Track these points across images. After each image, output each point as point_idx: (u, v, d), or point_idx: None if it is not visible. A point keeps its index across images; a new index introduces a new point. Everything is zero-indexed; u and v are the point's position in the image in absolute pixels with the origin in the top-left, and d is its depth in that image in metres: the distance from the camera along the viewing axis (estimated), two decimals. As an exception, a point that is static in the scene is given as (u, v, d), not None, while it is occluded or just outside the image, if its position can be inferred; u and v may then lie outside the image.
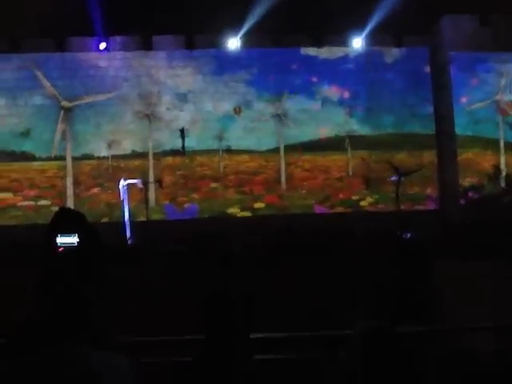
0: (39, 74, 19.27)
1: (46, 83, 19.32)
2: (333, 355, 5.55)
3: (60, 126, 19.35)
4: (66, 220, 4.85)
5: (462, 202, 19.48)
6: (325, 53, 20.48)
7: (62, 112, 19.41)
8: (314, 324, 7.07)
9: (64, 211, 5.10)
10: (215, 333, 3.69)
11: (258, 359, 3.95)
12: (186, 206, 19.65)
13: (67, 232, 4.79)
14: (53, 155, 19.31)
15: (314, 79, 20.39)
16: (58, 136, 19.31)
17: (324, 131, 20.38)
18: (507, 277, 8.65)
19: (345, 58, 20.58)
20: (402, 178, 17.19)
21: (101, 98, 19.46)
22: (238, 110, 20.20)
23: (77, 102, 19.41)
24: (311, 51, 20.44)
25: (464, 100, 20.24)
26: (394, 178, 17.13)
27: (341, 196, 20.19)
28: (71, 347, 3.28)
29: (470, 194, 19.84)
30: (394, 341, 3.50)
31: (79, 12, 18.01)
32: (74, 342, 3.29)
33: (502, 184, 20.12)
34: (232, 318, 3.71)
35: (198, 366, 3.68)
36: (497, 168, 20.35)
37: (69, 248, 4.60)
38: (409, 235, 14.65)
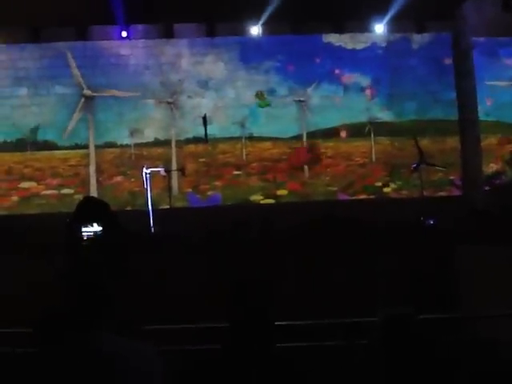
0: (70, 60, 19.34)
1: (76, 72, 19.39)
2: (356, 343, 5.56)
3: (77, 114, 19.40)
4: (90, 209, 4.90)
5: (486, 188, 19.38)
6: (346, 40, 20.40)
7: (82, 100, 19.46)
8: (337, 311, 7.09)
9: (88, 200, 5.15)
10: (240, 321, 3.70)
11: (281, 347, 3.97)
12: (208, 195, 19.68)
13: (91, 221, 4.85)
14: (65, 138, 19.32)
15: (336, 66, 20.32)
16: (72, 123, 19.36)
17: (347, 118, 20.34)
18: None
19: (366, 45, 20.49)
20: (423, 165, 17.09)
21: (124, 94, 19.50)
22: (260, 95, 20.19)
23: (98, 94, 19.46)
24: (333, 38, 20.36)
25: (487, 85, 20.11)
26: (414, 165, 17.00)
27: (364, 182, 20.15)
28: (97, 334, 3.31)
29: (494, 179, 19.74)
30: (416, 328, 3.51)
31: (100, 0, 18.06)
32: (100, 330, 3.32)
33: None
34: (257, 305, 3.72)
35: (223, 355, 3.69)
36: None
37: (93, 237, 4.65)
38: (432, 222, 14.61)
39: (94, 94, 19.46)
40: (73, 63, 19.40)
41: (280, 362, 3.65)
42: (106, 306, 3.40)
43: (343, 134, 20.37)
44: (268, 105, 20.15)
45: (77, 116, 19.43)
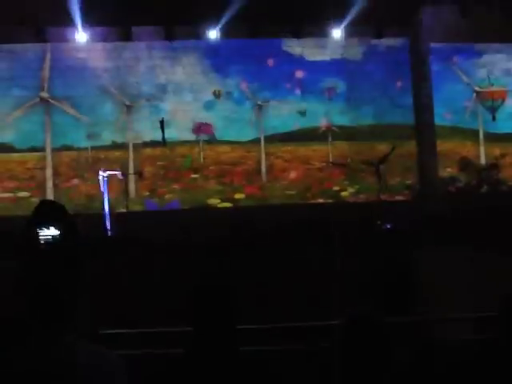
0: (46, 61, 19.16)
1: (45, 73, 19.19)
2: (320, 346, 5.57)
3: (25, 108, 19.20)
4: (47, 212, 4.84)
5: (442, 192, 19.57)
6: (305, 44, 20.46)
7: (37, 100, 19.26)
8: (299, 314, 7.09)
9: (45, 203, 5.09)
10: (204, 325, 3.68)
11: (246, 350, 3.95)
12: (166, 199, 19.59)
13: (48, 224, 4.78)
14: (10, 121, 19.12)
15: (294, 70, 20.38)
16: (18, 113, 19.20)
17: (304, 122, 20.40)
18: (486, 266, 8.71)
19: (324, 49, 20.58)
20: (381, 166, 17.25)
21: (76, 114, 19.32)
22: (217, 93, 20.17)
23: (54, 102, 19.29)
24: (291, 43, 20.41)
25: (444, 91, 20.33)
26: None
27: (321, 187, 20.21)
28: (55, 339, 3.27)
29: (450, 184, 19.95)
30: (374, 330, 3.51)
31: (58, 2, 17.89)
32: (57, 334, 3.29)
33: (479, 174, 20.25)
34: (220, 309, 3.71)
35: (187, 359, 3.67)
36: (468, 159, 20.51)
37: (50, 241, 4.59)
38: (389, 226, 14.70)
39: (50, 100, 19.26)
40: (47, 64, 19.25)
41: (244, 365, 3.64)
42: (64, 310, 3.37)
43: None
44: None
45: (21, 111, 19.16)
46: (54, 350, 3.25)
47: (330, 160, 20.27)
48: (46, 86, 19.30)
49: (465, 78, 20.75)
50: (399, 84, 20.59)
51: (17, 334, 3.29)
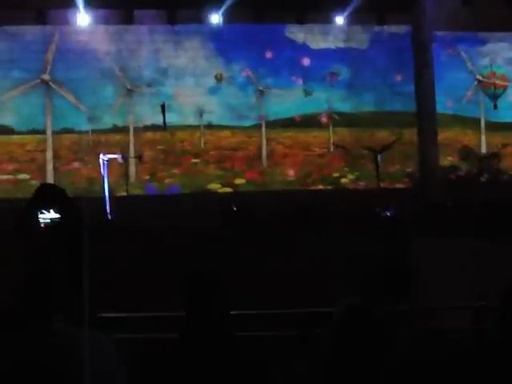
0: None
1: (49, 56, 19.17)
2: (314, 332, 5.59)
3: (26, 87, 19.19)
4: (47, 196, 4.86)
5: (442, 180, 19.56)
6: (307, 30, 20.42)
7: (38, 81, 19.24)
8: (295, 301, 7.11)
9: (45, 187, 5.11)
10: (197, 310, 3.70)
11: (240, 336, 3.97)
12: (166, 183, 19.61)
13: (48, 208, 4.80)
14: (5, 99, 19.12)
15: (297, 56, 20.36)
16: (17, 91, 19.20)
17: (305, 108, 20.40)
18: (486, 255, 8.72)
19: (327, 36, 20.55)
20: (380, 155, 17.25)
21: (80, 106, 19.30)
22: (219, 77, 20.15)
23: (48, 67, 19.23)
24: (294, 28, 20.38)
25: (446, 79, 20.30)
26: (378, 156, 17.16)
27: (322, 173, 20.22)
28: (51, 323, 3.29)
29: (450, 172, 19.96)
30: (369, 319, 3.53)
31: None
32: (53, 318, 3.30)
33: (480, 163, 20.26)
34: (213, 295, 3.72)
35: (180, 344, 3.69)
36: (469, 148, 20.52)
37: (49, 224, 4.61)
38: (388, 213, 14.72)
39: (50, 83, 19.24)
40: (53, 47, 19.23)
41: (238, 351, 3.66)
42: (63, 293, 3.38)
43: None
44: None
45: (19, 90, 19.15)
46: (49, 336, 3.26)
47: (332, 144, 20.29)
48: (48, 68, 19.26)
49: (469, 65, 20.72)
50: (401, 71, 20.55)
51: (12, 321, 3.30)
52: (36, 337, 3.24)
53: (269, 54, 20.18)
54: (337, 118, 20.37)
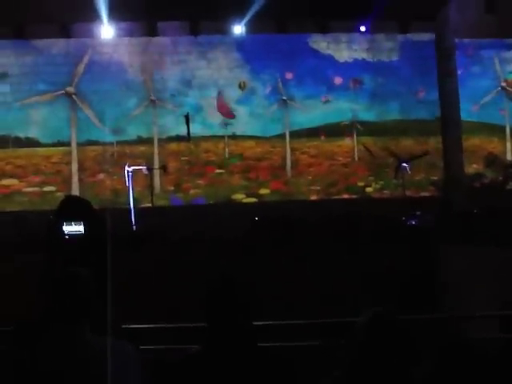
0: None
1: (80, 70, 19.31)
2: (339, 343, 5.57)
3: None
4: (72, 208, 4.88)
5: (468, 188, 19.46)
6: (330, 39, 20.42)
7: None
8: (321, 311, 7.09)
9: (70, 199, 5.14)
10: (218, 321, 3.70)
11: (262, 346, 3.96)
12: (191, 197, 19.62)
13: (73, 220, 4.82)
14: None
15: (320, 65, 20.33)
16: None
17: (329, 117, 20.37)
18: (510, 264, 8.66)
19: (350, 44, 20.53)
20: (406, 165, 17.21)
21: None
22: (243, 85, 20.17)
23: (76, 80, 19.36)
24: (317, 37, 20.38)
25: (469, 86, 20.21)
26: (403, 165, 17.13)
27: (346, 182, 20.18)
28: (74, 332, 3.31)
29: (475, 180, 19.83)
30: (396, 328, 3.51)
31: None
32: (77, 328, 3.32)
33: (505, 170, 20.09)
34: (235, 305, 3.71)
35: (202, 355, 3.69)
36: (495, 155, 20.36)
37: (75, 236, 4.63)
38: (414, 222, 14.66)
39: (73, 96, 19.36)
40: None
41: (262, 361, 3.65)
42: (89, 304, 3.40)
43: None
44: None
45: (47, 97, 19.30)
46: (74, 347, 3.28)
47: (356, 156, 20.25)
48: (75, 80, 19.39)
49: (493, 72, 20.59)
50: (425, 79, 20.48)
51: (38, 332, 3.32)
52: (62, 346, 3.26)
53: (292, 64, 20.16)
54: (360, 128, 20.31)
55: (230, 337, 3.64)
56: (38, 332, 3.36)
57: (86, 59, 19.42)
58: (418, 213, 15.06)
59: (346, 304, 6.56)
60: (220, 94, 20.06)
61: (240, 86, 20.16)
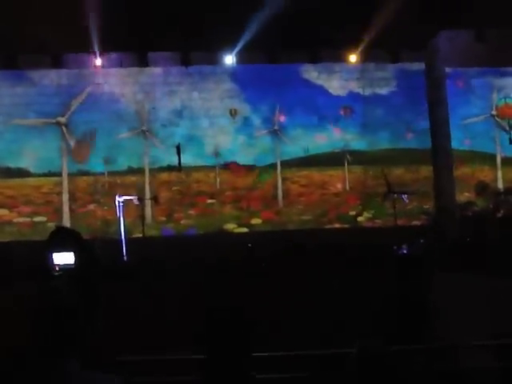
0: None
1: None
2: (331, 373, 5.55)
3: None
4: (62, 239, 4.87)
5: (459, 217, 19.48)
6: (320, 69, 20.52)
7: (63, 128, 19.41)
8: (311, 342, 7.07)
9: (60, 230, 5.13)
10: (217, 353, 3.68)
11: (261, 379, 3.95)
12: (183, 227, 19.59)
13: (63, 251, 4.81)
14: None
15: (311, 95, 20.40)
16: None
17: (320, 147, 20.41)
18: (505, 292, 8.66)
19: (340, 74, 20.64)
20: (395, 196, 17.28)
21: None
22: (233, 112, 20.21)
23: (69, 112, 19.38)
24: (307, 68, 20.48)
25: (460, 115, 20.29)
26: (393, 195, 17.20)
27: (338, 212, 20.18)
28: (58, 367, 3.29)
29: (467, 208, 19.85)
30: (388, 360, 3.51)
31: (75, 28, 18.03)
32: (62, 362, 3.30)
33: (496, 199, 20.12)
34: (234, 337, 3.70)
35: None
36: (486, 183, 20.40)
37: (65, 268, 4.61)
38: (405, 251, 14.66)
39: (66, 119, 19.37)
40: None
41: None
42: (74, 337, 3.38)
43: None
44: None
45: (36, 122, 19.32)
46: (61, 380, 3.26)
47: (348, 187, 20.29)
48: (68, 112, 19.42)
49: (483, 100, 20.67)
50: (415, 108, 20.57)
51: (21, 367, 3.30)
52: (45, 381, 3.24)
53: (282, 94, 20.22)
54: (349, 158, 20.35)
55: (228, 368, 3.63)
56: (20, 367, 3.33)
57: (83, 94, 19.47)
58: (410, 242, 15.07)
59: (334, 335, 6.56)
60: None
61: (231, 113, 20.20)
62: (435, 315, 9.03)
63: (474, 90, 20.65)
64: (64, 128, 19.43)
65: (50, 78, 19.56)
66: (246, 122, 20.29)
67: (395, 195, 17.28)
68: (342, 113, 20.53)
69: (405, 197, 17.45)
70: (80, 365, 3.32)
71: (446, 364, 7.12)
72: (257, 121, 20.32)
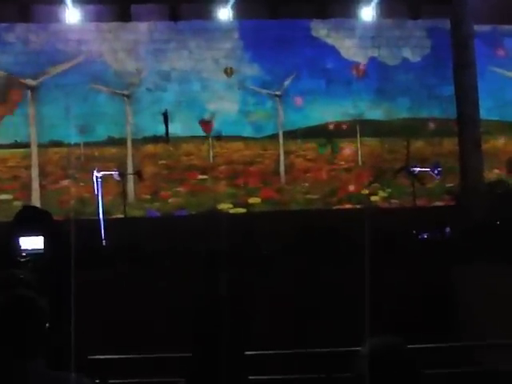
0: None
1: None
2: (338, 376, 5.56)
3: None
4: (31, 220, 4.85)
5: (488, 196, 19.45)
6: (330, 26, 20.42)
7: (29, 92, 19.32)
8: (317, 339, 7.08)
9: (28, 210, 5.11)
10: (204, 351, 3.68)
11: (254, 380, 3.96)
12: (170, 207, 19.56)
13: (32, 235, 4.79)
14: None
15: (318, 55, 20.34)
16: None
17: (329, 115, 20.36)
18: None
19: (352, 32, 20.55)
20: (415, 171, 17.25)
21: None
22: (229, 71, 20.13)
23: (42, 79, 19.30)
24: (314, 24, 20.40)
25: (490, 80, 20.23)
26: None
27: (348, 190, 20.17)
28: (22, 367, 3.30)
29: (497, 187, 19.83)
30: (405, 360, 3.50)
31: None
32: (26, 363, 3.31)
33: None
34: (224, 333, 3.70)
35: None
36: None
37: (33, 253, 4.60)
38: (426, 235, 14.67)
39: (38, 82, 19.28)
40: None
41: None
42: (40, 335, 3.38)
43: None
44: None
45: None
46: (17, 377, 3.28)
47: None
48: (30, 72, 19.32)
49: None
50: (438, 72, 20.50)
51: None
52: (9, 382, 3.25)
53: (286, 54, 20.13)
54: (363, 128, 20.30)
55: (218, 368, 3.63)
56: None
57: (69, 63, 19.38)
58: (432, 225, 15.08)
59: (345, 331, 6.54)
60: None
61: (226, 72, 20.12)
62: (459, 310, 9.05)
63: (505, 51, 20.60)
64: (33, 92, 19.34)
65: (17, 32, 19.44)
66: (244, 86, 20.22)
67: (416, 170, 17.19)
68: (354, 72, 20.46)
69: (436, 171, 17.37)
70: (47, 364, 3.33)
71: (472, 365, 7.14)
72: (256, 85, 20.25)
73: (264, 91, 20.19)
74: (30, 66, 19.37)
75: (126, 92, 19.77)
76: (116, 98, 19.71)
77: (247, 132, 20.19)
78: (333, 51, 20.44)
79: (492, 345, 7.68)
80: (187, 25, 19.95)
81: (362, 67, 20.47)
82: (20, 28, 19.48)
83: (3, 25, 19.33)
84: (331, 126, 20.39)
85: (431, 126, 20.47)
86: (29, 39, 19.47)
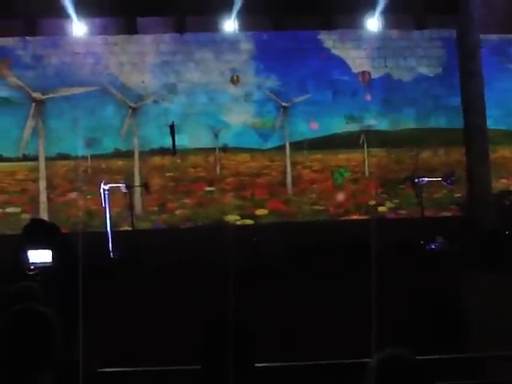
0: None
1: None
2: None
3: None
4: (39, 234, 4.86)
5: (495, 206, 19.42)
6: (335, 37, 20.43)
7: (34, 105, 19.34)
8: (324, 351, 7.07)
9: (36, 223, 5.11)
10: (214, 363, 3.69)
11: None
12: (177, 219, 19.55)
13: (40, 248, 4.80)
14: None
15: (324, 66, 20.34)
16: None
17: (336, 126, 20.35)
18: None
19: (358, 43, 20.55)
20: (423, 181, 17.22)
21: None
22: (235, 80, 20.13)
23: (51, 95, 19.35)
24: (321, 36, 20.40)
25: (497, 89, 20.21)
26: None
27: (356, 201, 20.14)
28: (36, 377, 3.30)
29: (504, 197, 19.79)
30: (412, 372, 3.50)
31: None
32: (34, 376, 3.31)
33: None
34: (234, 345, 3.70)
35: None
36: None
37: (42, 267, 4.61)
38: (433, 246, 14.67)
39: (45, 97, 19.33)
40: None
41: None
42: (48, 348, 3.39)
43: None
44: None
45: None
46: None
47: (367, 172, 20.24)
48: (37, 86, 19.35)
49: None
50: (445, 82, 20.49)
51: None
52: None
53: (292, 66, 20.14)
54: (373, 136, 20.28)
55: (228, 381, 3.63)
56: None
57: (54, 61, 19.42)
58: (439, 235, 15.07)
59: (354, 342, 6.54)
60: None
61: (232, 81, 20.12)
62: (468, 321, 9.03)
63: (513, 61, 20.60)
64: (41, 105, 19.37)
65: (25, 46, 19.48)
66: (251, 97, 20.23)
67: (424, 180, 17.16)
68: (360, 79, 20.45)
69: (448, 181, 17.36)
70: (56, 377, 3.33)
71: (478, 378, 7.12)
72: (263, 96, 20.26)
73: (273, 96, 20.15)
74: (38, 80, 19.39)
75: (132, 105, 19.78)
76: (123, 110, 19.71)
77: (254, 143, 20.18)
78: (338, 62, 20.43)
79: (499, 356, 7.66)
80: (193, 37, 19.97)
81: (367, 74, 20.45)
82: (27, 41, 19.51)
83: (10, 39, 19.35)
84: (338, 137, 20.36)
85: (438, 136, 20.40)
86: (36, 52, 19.50)
